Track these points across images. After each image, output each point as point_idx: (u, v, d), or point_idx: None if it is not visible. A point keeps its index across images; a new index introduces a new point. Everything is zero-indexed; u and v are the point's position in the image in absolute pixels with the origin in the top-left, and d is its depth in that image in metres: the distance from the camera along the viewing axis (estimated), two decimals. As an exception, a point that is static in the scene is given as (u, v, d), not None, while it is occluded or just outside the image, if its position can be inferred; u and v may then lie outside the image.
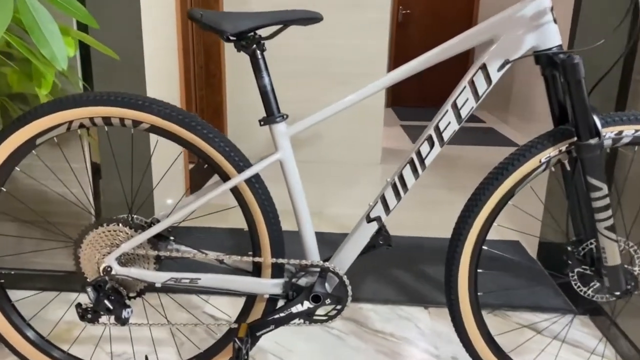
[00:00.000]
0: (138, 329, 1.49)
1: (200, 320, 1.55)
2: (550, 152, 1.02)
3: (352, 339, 1.50)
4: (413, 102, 5.67)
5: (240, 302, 1.31)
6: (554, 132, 1.03)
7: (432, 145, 1.05)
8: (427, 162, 1.06)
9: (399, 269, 1.88)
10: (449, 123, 1.04)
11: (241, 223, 1.20)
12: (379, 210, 1.10)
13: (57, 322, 1.51)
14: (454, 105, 1.03)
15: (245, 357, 1.04)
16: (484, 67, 1.01)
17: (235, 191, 1.10)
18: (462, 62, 5.38)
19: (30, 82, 1.30)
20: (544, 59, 1.00)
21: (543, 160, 1.02)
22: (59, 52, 1.11)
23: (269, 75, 1.06)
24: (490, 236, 2.22)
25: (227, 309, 1.62)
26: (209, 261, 1.19)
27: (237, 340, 1.03)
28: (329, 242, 2.02)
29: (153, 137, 1.97)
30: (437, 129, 1.04)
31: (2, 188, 1.13)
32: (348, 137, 3.30)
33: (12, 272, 1.68)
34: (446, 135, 1.04)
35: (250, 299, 1.18)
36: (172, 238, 1.17)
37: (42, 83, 1.29)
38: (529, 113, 4.25)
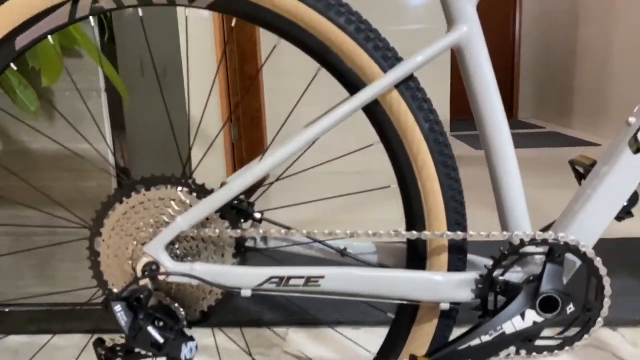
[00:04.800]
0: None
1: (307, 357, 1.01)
2: None
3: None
4: (454, 114, 5.17)
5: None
6: None
7: None
8: None
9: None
10: None
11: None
12: (657, 126, 0.58)
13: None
14: None
15: None
16: None
17: (375, 111, 0.60)
18: (507, 72, 4.93)
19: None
20: None
21: None
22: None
23: None
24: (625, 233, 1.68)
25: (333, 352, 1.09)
26: (320, 253, 0.68)
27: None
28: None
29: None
30: None
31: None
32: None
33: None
34: None
35: (405, 317, 0.65)
36: (258, 214, 0.66)
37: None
38: (601, 111, 3.71)
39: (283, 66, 2.72)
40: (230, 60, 2.62)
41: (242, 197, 0.67)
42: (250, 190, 0.63)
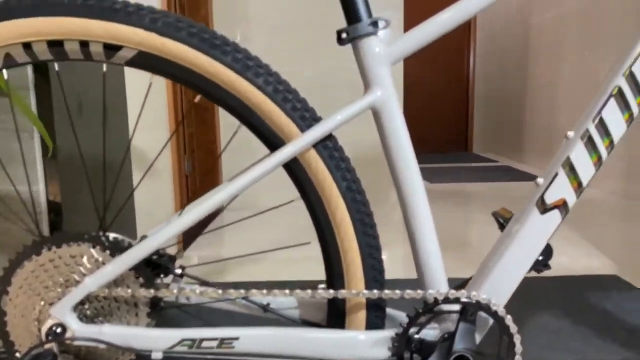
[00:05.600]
0: None
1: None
2: None
3: None
4: (413, 147, 5.27)
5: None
6: None
7: (655, 57, 0.58)
8: (650, 88, 0.59)
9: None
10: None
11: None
12: (561, 189, 0.60)
13: None
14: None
15: None
16: None
17: (294, 168, 0.60)
18: (461, 107, 5.09)
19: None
20: None
21: None
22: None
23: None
24: (566, 270, 1.73)
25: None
26: (242, 308, 0.67)
27: None
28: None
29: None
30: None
31: None
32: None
33: None
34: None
35: (325, 373, 0.65)
36: (179, 269, 0.65)
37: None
38: (550, 146, 3.87)
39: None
40: (186, 90, 2.61)
41: (164, 250, 0.67)
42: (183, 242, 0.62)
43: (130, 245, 0.63)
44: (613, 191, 2.94)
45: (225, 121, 2.82)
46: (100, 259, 0.59)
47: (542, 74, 4.00)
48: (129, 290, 0.58)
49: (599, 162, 0.60)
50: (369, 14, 0.59)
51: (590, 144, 0.60)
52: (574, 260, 1.78)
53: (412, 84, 4.97)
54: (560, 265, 1.71)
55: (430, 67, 5.03)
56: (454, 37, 4.91)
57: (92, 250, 0.59)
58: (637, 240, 2.04)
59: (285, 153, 0.59)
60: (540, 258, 0.68)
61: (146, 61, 0.58)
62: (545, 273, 1.53)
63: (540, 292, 1.47)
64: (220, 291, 0.59)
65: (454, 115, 5.10)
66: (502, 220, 0.71)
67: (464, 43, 5.03)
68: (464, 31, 4.97)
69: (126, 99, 1.44)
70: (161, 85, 1.98)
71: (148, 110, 1.70)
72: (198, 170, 2.71)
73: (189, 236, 2.05)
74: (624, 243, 2.01)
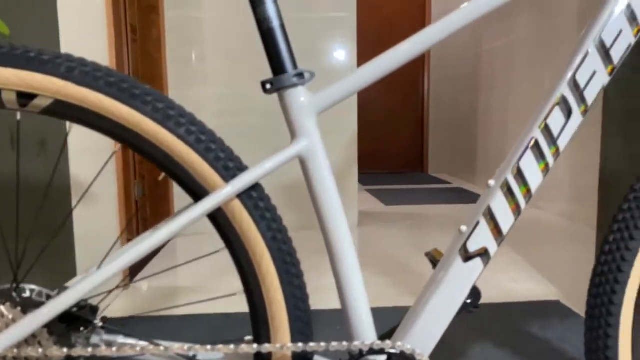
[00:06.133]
0: None
1: None
2: None
3: None
4: (370, 168, 5.36)
5: None
6: None
7: (568, 113, 0.61)
8: (563, 140, 0.61)
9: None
10: (594, 72, 0.61)
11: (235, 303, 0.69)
12: (483, 238, 0.62)
13: None
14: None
15: None
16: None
17: (219, 218, 0.59)
18: (417, 129, 5.21)
19: None
20: None
21: None
22: None
23: (276, 3, 0.60)
24: (510, 296, 1.78)
25: None
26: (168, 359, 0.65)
27: None
28: (326, 321, 1.48)
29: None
30: (574, 83, 0.61)
31: None
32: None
33: None
34: (590, 94, 0.61)
35: None
36: (98, 321, 0.63)
37: None
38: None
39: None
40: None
41: (85, 301, 0.64)
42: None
43: (48, 298, 0.60)
44: (559, 213, 3.05)
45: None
46: (10, 316, 0.56)
47: (493, 99, 4.15)
48: (40, 350, 0.55)
49: (517, 210, 0.62)
50: (294, 66, 0.59)
51: (509, 193, 0.61)
52: (518, 284, 1.83)
53: (368, 107, 5.07)
54: (503, 291, 1.74)
55: (386, 91, 5.14)
56: (409, 65, 5.04)
57: (1, 308, 0.56)
58: (580, 263, 2.11)
59: (208, 203, 0.58)
60: (469, 301, 0.69)
61: (63, 110, 0.56)
62: (488, 300, 1.56)
63: (482, 319, 1.49)
64: (139, 347, 0.57)
65: (410, 137, 5.22)
66: (434, 261, 0.72)
67: (419, 69, 5.17)
68: (419, 59, 5.11)
69: (66, 128, 1.39)
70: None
71: (92, 135, 1.65)
72: (149, 195, 2.65)
73: (137, 268, 1.99)
74: (567, 267, 2.08)
